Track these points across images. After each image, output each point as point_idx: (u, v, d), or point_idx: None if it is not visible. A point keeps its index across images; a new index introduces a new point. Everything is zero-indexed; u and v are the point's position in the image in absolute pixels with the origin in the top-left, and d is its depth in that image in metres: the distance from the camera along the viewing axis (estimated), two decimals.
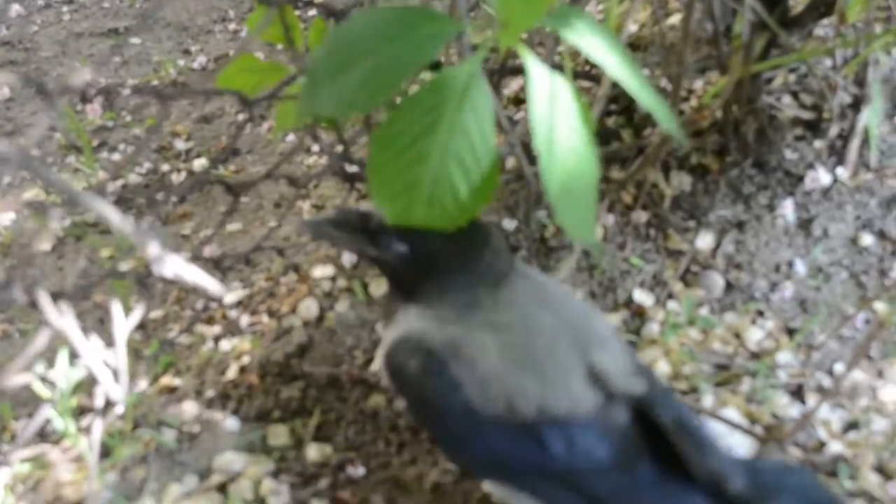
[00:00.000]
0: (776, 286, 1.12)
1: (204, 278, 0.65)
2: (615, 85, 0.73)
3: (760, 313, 1.10)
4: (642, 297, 1.12)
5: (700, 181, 1.22)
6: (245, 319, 1.15)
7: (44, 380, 0.94)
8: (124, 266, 0.70)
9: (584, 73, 1.29)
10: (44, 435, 0.98)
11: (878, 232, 1.16)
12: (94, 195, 0.51)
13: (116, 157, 1.66)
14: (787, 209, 1.17)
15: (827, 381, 1.01)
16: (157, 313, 1.19)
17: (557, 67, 1.04)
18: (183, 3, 2.28)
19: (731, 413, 0.95)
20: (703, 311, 1.11)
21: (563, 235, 1.15)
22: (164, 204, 1.35)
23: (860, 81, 1.19)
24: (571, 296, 0.80)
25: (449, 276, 0.74)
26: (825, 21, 1.22)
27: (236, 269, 1.26)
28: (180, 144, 1.67)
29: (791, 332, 1.08)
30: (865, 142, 1.20)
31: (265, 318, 1.14)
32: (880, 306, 1.09)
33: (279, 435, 0.97)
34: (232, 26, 2.20)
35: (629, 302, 1.13)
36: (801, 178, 1.19)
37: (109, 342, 0.77)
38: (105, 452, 0.93)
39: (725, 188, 1.20)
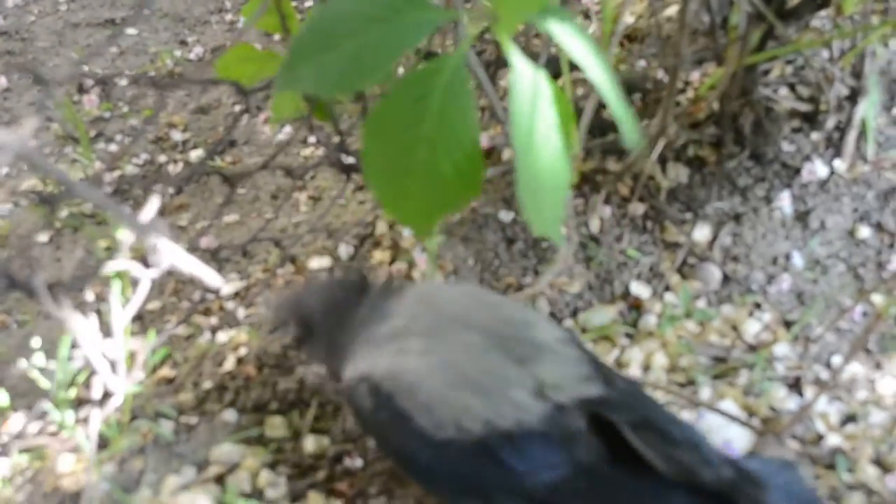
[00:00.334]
0: (773, 278, 1.12)
1: (202, 269, 0.65)
2: None
3: (758, 305, 1.11)
4: (639, 289, 1.12)
5: (697, 173, 1.22)
6: (242, 311, 1.15)
7: (42, 370, 0.94)
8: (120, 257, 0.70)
9: None
10: (42, 426, 0.98)
11: (876, 224, 1.16)
12: (91, 185, 0.51)
13: (113, 147, 1.66)
14: (784, 201, 1.17)
15: (825, 374, 1.01)
16: (154, 304, 1.19)
17: (554, 59, 1.04)
18: None
19: (729, 405, 0.95)
20: (701, 304, 1.11)
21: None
22: (160, 195, 1.35)
23: (857, 73, 1.18)
24: (504, 307, 0.80)
25: (344, 329, 0.80)
26: (822, 12, 1.22)
27: (233, 260, 1.26)
28: (177, 135, 1.67)
29: (788, 325, 1.08)
30: (862, 134, 1.20)
31: (262, 310, 1.14)
32: (878, 299, 1.09)
33: (276, 426, 0.97)
34: (228, 17, 2.19)
35: (626, 294, 1.13)
36: (798, 171, 1.19)
37: (107, 333, 0.77)
38: (103, 444, 0.93)
39: (722, 180, 1.20)
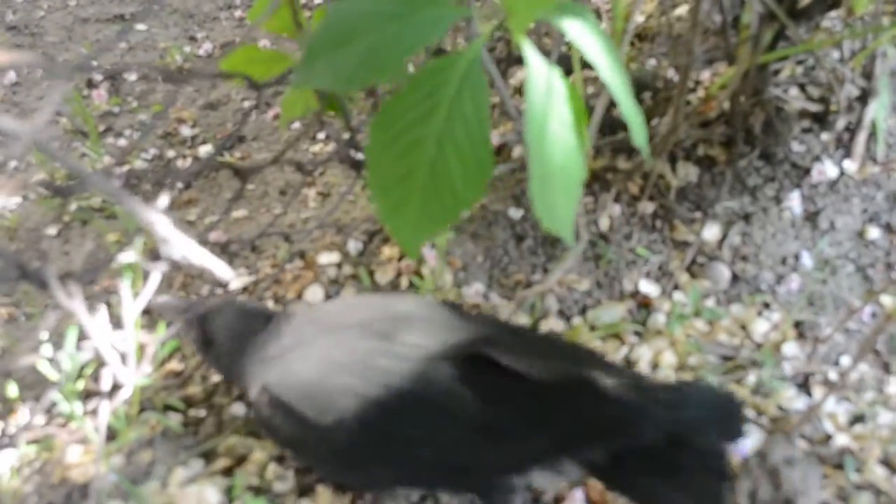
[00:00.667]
0: (782, 278, 1.12)
1: (212, 261, 0.66)
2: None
3: (767, 305, 1.10)
4: (648, 287, 1.12)
5: (707, 172, 1.21)
6: None
7: (51, 362, 0.94)
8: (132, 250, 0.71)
9: None
10: (51, 417, 0.99)
11: (885, 225, 1.16)
12: (104, 176, 0.51)
13: (122, 142, 1.66)
14: (794, 201, 1.17)
15: (833, 374, 1.01)
16: (162, 298, 1.19)
17: (565, 57, 1.04)
18: None
19: None
20: (710, 303, 1.11)
21: None
22: (169, 189, 1.35)
23: (868, 74, 1.18)
24: (390, 303, 0.85)
25: (243, 353, 0.86)
26: (833, 13, 1.22)
27: (242, 255, 1.26)
28: (186, 131, 1.67)
29: (797, 325, 1.08)
30: (873, 135, 1.20)
31: (271, 305, 1.14)
32: (887, 300, 1.09)
33: None
34: (238, 13, 2.20)
35: (635, 292, 1.13)
36: (807, 171, 1.19)
37: (117, 326, 0.77)
38: (111, 435, 0.93)
39: (732, 180, 1.20)
